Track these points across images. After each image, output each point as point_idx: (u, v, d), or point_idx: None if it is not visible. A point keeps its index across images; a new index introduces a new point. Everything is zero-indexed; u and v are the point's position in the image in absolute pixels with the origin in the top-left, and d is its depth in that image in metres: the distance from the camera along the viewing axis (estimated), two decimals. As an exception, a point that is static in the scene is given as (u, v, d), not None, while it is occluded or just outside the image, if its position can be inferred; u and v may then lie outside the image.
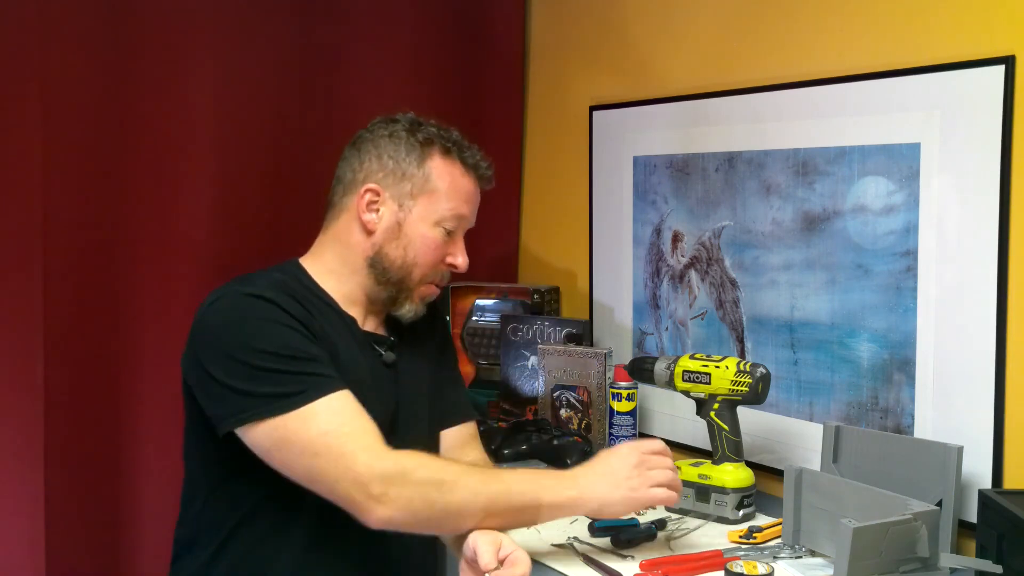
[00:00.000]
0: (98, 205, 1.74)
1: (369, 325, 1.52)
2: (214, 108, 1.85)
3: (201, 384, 1.36)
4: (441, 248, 1.49)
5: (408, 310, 1.50)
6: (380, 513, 1.28)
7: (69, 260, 1.70)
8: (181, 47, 1.80)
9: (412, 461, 1.31)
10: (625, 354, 2.05)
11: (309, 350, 1.35)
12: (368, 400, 1.37)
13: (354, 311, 1.50)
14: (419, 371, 1.57)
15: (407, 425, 1.50)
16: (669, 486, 1.38)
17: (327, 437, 1.30)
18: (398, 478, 1.28)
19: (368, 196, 1.46)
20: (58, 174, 1.67)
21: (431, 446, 1.58)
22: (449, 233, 1.49)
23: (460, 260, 1.51)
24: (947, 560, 1.28)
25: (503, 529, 1.32)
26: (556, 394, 2.06)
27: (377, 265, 1.47)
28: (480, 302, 2.25)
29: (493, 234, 2.37)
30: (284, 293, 1.40)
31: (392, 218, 1.46)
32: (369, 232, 1.47)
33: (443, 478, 1.30)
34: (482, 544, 1.27)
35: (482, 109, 2.31)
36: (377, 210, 1.47)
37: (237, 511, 1.41)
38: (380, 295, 1.49)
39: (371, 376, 1.46)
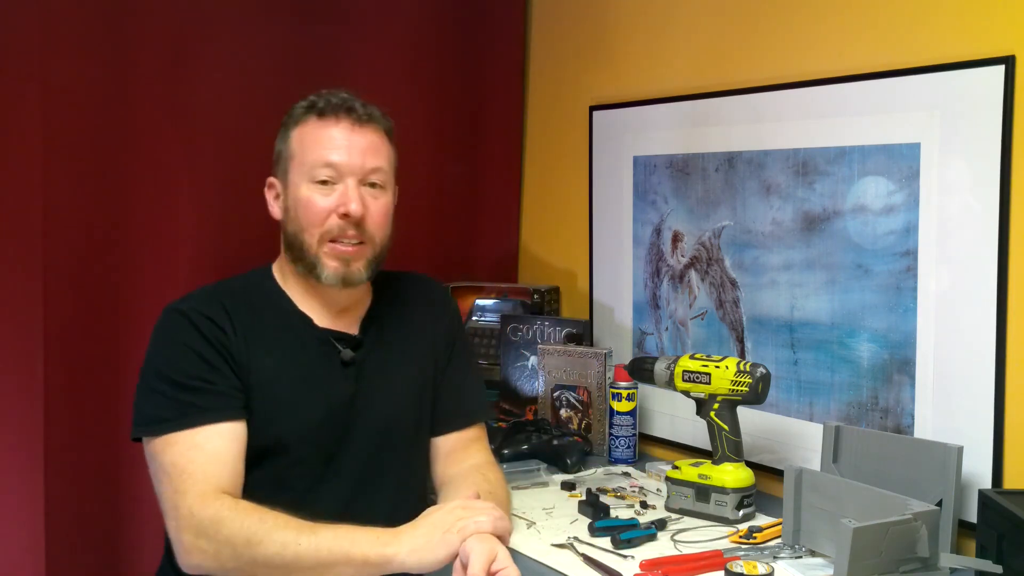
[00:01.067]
0: (98, 205, 1.74)
1: (334, 322, 1.53)
2: (214, 108, 1.85)
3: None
4: (321, 202, 1.46)
5: (327, 276, 1.48)
6: (188, 560, 1.33)
7: (69, 260, 1.70)
8: (181, 47, 1.80)
9: (229, 513, 1.31)
10: (625, 354, 2.05)
11: (202, 376, 1.40)
12: (308, 400, 1.44)
13: (312, 308, 1.52)
14: (400, 368, 1.56)
15: (365, 424, 1.51)
16: (492, 523, 1.32)
17: (172, 470, 1.35)
18: (210, 530, 1.30)
19: (271, 191, 1.54)
20: (58, 174, 1.67)
21: (413, 446, 1.58)
22: (326, 183, 1.46)
23: (350, 206, 1.45)
24: (947, 560, 1.28)
25: None
26: (556, 394, 2.06)
27: (288, 247, 1.51)
28: (480, 302, 2.25)
29: (493, 234, 2.38)
30: (217, 303, 1.46)
31: (283, 199, 1.51)
32: (279, 223, 1.53)
33: (252, 533, 1.28)
34: (476, 552, 1.26)
35: (482, 109, 2.31)
36: (277, 198, 1.53)
37: None
38: (301, 272, 1.50)
39: (320, 375, 1.48)
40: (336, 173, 1.46)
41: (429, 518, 1.33)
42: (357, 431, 1.50)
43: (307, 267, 1.48)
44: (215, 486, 1.34)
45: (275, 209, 1.53)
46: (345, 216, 1.45)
